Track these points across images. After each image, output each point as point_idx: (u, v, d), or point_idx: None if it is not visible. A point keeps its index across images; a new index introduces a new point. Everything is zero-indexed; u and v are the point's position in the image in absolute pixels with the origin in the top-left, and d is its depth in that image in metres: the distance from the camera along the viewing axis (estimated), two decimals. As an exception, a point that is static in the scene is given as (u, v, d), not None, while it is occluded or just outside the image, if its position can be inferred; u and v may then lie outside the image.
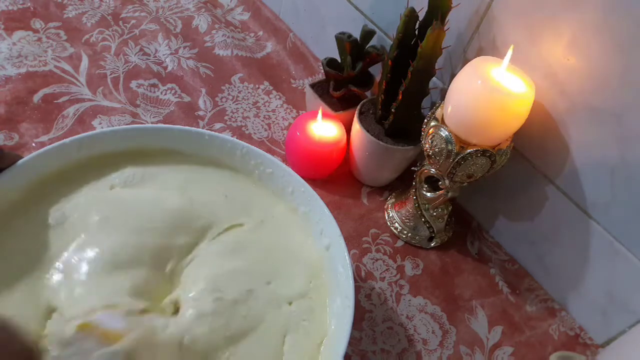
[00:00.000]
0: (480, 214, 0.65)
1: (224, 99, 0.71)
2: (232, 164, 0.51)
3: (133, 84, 0.69)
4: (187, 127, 0.50)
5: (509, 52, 0.46)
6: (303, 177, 0.49)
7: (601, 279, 0.53)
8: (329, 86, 0.66)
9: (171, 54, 0.75)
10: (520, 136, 0.52)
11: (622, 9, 0.42)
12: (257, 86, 0.75)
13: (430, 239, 0.61)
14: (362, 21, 0.68)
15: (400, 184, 0.66)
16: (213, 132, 0.50)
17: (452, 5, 0.50)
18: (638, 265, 0.49)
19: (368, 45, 0.63)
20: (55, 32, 0.72)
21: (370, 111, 0.62)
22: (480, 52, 0.55)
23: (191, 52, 0.76)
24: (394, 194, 0.65)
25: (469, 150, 0.49)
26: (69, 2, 0.77)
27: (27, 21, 0.72)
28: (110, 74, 0.69)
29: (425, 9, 0.52)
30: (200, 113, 0.68)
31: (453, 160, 0.50)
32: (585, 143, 0.49)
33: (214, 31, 0.80)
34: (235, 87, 0.73)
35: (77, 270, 0.40)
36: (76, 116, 0.63)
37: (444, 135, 0.50)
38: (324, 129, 0.61)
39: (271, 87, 0.75)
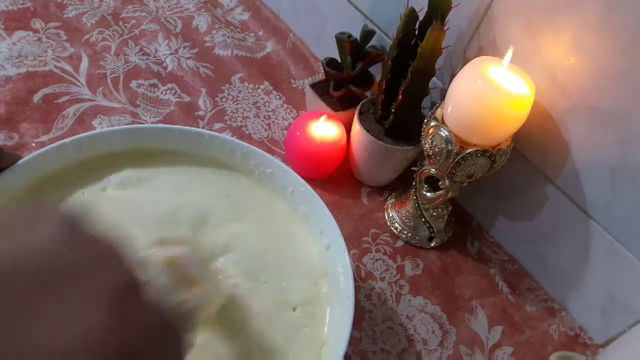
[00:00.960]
0: (480, 214, 0.65)
1: (224, 99, 0.71)
2: (232, 164, 0.51)
3: (133, 84, 0.69)
4: (187, 127, 0.50)
5: (509, 54, 0.46)
6: (303, 177, 0.49)
7: (601, 279, 0.53)
8: (329, 86, 0.66)
9: (171, 54, 0.75)
10: (520, 136, 0.52)
11: (622, 9, 0.42)
12: (257, 86, 0.75)
13: (430, 239, 0.61)
14: (362, 21, 0.68)
15: (400, 184, 0.66)
16: (213, 132, 0.50)
17: (452, 5, 0.50)
18: (638, 265, 0.49)
19: (368, 45, 0.63)
20: (55, 32, 0.72)
21: (370, 111, 0.62)
22: (480, 52, 0.55)
23: (191, 52, 0.76)
24: (394, 194, 0.65)
25: (469, 150, 0.49)
26: (69, 2, 0.77)
27: (27, 21, 0.72)
28: (110, 74, 0.69)
29: (425, 9, 0.52)
30: (200, 113, 0.68)
31: (453, 160, 0.50)
32: (585, 143, 0.49)
33: (214, 31, 0.80)
34: (235, 87, 0.73)
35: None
36: (76, 116, 0.63)
37: (444, 135, 0.50)
38: (324, 129, 0.61)
39: (271, 87, 0.75)
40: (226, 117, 0.69)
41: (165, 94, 0.69)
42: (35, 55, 0.68)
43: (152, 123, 0.65)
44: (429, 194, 0.57)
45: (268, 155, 0.50)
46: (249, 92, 0.73)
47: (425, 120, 0.54)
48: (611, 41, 0.43)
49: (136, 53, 0.74)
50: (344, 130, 0.63)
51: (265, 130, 0.69)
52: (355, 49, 0.63)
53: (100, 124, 0.63)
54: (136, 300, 0.24)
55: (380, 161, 0.61)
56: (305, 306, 0.44)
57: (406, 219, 0.61)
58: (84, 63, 0.70)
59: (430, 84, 0.56)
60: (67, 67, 0.68)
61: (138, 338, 0.22)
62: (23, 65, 0.66)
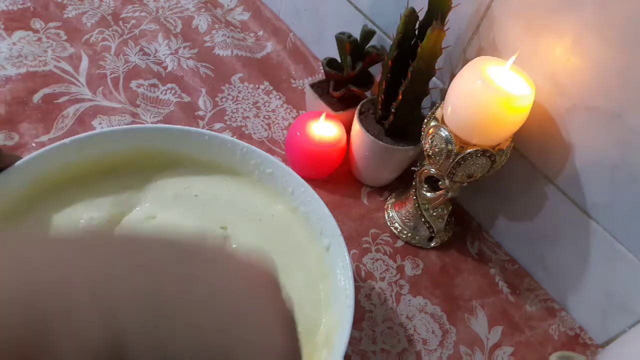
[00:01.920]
0: (480, 214, 0.65)
1: (224, 99, 0.71)
2: (232, 164, 0.51)
3: (133, 84, 0.69)
4: (187, 127, 0.50)
5: (513, 58, 0.46)
6: (303, 177, 0.49)
7: (601, 279, 0.53)
8: (329, 86, 0.66)
9: (171, 54, 0.75)
10: (520, 136, 0.52)
11: (622, 8, 0.42)
12: (257, 86, 0.75)
13: (430, 239, 0.61)
14: (362, 21, 0.68)
15: (400, 184, 0.66)
16: (213, 132, 0.50)
17: (452, 5, 0.50)
18: (638, 265, 0.49)
19: (368, 45, 0.63)
20: (55, 32, 0.72)
21: (370, 111, 0.62)
22: (480, 52, 0.55)
23: (191, 52, 0.76)
24: (394, 194, 0.65)
25: (469, 150, 0.49)
26: (69, 2, 0.77)
27: (27, 21, 0.72)
28: (110, 74, 0.69)
29: (425, 9, 0.52)
30: (200, 113, 0.68)
31: (453, 160, 0.50)
32: (586, 143, 0.49)
33: (214, 31, 0.80)
34: (235, 87, 0.73)
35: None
36: (76, 116, 0.63)
37: (444, 135, 0.50)
38: (324, 129, 0.61)
39: (271, 87, 0.75)
40: (226, 117, 0.69)
41: (165, 94, 0.69)
42: (35, 55, 0.68)
43: (152, 123, 0.65)
44: (429, 194, 0.57)
45: (268, 155, 0.50)
46: (249, 92, 0.73)
47: (425, 120, 0.54)
48: (611, 41, 0.43)
49: (136, 53, 0.73)
50: (344, 130, 0.63)
51: (265, 130, 0.69)
52: (355, 49, 0.63)
53: (100, 124, 0.63)
54: None
55: (380, 161, 0.61)
56: (305, 306, 0.44)
57: (406, 219, 0.61)
58: (84, 63, 0.70)
59: (430, 84, 0.56)
60: (67, 67, 0.68)
61: None
62: (23, 65, 0.66)
